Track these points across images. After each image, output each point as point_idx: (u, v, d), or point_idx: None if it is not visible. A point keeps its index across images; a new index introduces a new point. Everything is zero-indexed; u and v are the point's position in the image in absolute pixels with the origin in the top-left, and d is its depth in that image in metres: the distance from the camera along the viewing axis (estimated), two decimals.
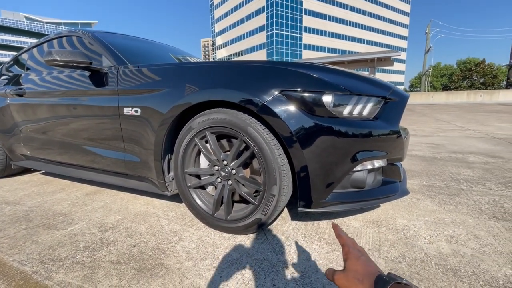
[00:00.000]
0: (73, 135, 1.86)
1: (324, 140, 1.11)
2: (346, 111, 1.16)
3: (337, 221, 1.48)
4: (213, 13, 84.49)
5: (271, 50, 62.76)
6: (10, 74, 2.44)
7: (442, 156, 3.03)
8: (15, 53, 2.67)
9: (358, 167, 1.18)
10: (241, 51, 73.77)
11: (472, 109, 12.21)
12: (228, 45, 79.43)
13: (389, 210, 1.61)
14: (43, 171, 2.74)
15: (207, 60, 2.82)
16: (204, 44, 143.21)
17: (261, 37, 64.83)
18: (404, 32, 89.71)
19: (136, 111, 1.48)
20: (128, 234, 1.39)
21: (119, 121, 1.56)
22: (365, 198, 1.22)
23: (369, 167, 1.21)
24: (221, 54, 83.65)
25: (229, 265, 1.12)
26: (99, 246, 1.29)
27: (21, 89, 2.12)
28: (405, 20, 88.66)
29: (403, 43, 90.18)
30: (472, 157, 2.91)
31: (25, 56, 2.40)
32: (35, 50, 2.32)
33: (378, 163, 1.24)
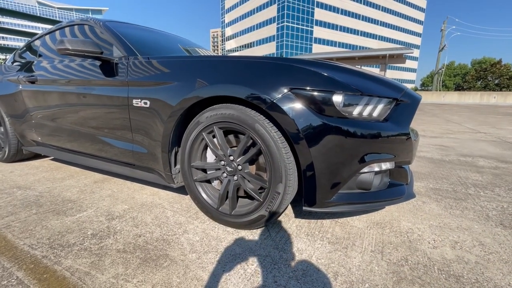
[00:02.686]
0: (83, 123, 1.89)
1: (332, 140, 1.10)
2: (356, 111, 1.14)
3: (341, 221, 1.49)
4: (224, 2, 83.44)
5: (281, 43, 61.94)
6: (23, 60, 2.47)
7: (450, 159, 2.98)
8: (27, 39, 2.70)
9: (365, 169, 1.17)
10: (250, 43, 73.01)
11: (484, 110, 11.92)
12: (237, 36, 78.64)
13: (394, 212, 1.60)
14: (53, 157, 2.80)
15: (217, 54, 2.80)
16: (213, 35, 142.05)
17: (271, 29, 63.91)
18: (419, 28, 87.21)
19: (145, 103, 1.49)
20: (134, 224, 1.42)
21: (128, 112, 1.58)
22: (371, 200, 1.22)
23: (376, 169, 1.20)
24: (230, 45, 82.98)
25: (232, 259, 1.14)
26: (106, 234, 1.32)
27: (33, 76, 2.14)
28: (420, 16, 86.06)
29: (416, 40, 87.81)
30: (482, 161, 2.86)
31: (37, 43, 2.43)
32: (47, 37, 2.34)
33: (385, 166, 1.23)
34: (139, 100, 1.51)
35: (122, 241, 1.26)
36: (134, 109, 1.54)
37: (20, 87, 2.26)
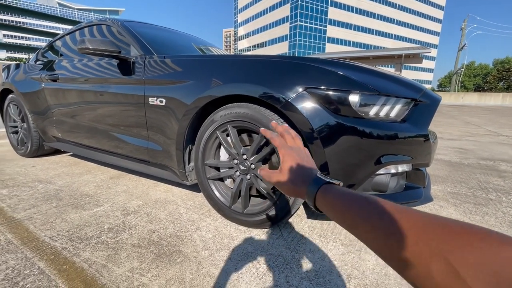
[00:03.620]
0: (100, 120, 1.95)
1: (347, 140, 1.09)
2: (372, 112, 1.12)
3: None
4: (237, 2, 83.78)
5: (293, 43, 61.56)
6: (45, 59, 2.57)
7: (470, 162, 2.87)
8: (48, 39, 2.81)
9: (381, 171, 1.15)
10: (263, 43, 72.98)
11: (506, 113, 11.41)
12: (250, 35, 78.79)
13: None
14: (72, 153, 2.90)
15: (231, 54, 2.82)
16: (226, 34, 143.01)
17: (284, 29, 63.64)
18: (437, 27, 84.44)
19: (161, 101, 1.51)
20: (149, 220, 1.45)
21: (144, 110, 1.61)
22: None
23: (393, 171, 1.17)
24: (243, 44, 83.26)
25: (244, 257, 1.14)
26: (121, 228, 1.36)
27: (54, 74, 2.23)
28: (439, 14, 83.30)
29: (434, 39, 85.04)
30: (504, 165, 2.73)
31: (59, 43, 2.52)
32: (68, 37, 2.43)
33: (402, 168, 1.20)
34: (155, 98, 1.54)
35: (137, 236, 1.29)
36: (150, 107, 1.57)
37: (43, 85, 2.36)
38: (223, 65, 1.37)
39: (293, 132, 0.56)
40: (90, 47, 1.60)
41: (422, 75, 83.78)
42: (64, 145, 2.44)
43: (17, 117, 2.71)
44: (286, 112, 1.14)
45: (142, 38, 1.81)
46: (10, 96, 2.72)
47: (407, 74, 76.62)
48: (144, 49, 1.71)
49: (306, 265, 1.10)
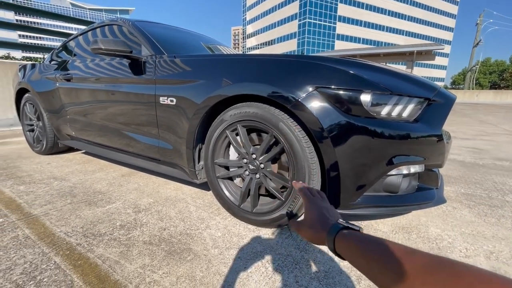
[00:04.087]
0: (112, 119, 1.99)
1: (358, 140, 1.07)
2: (384, 111, 1.10)
3: (364, 223, 1.45)
4: (245, 0, 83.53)
5: (302, 40, 61.01)
6: (59, 59, 2.64)
7: (485, 162, 2.79)
8: (62, 38, 2.87)
9: (392, 171, 1.13)
10: (271, 40, 72.61)
11: None
12: (258, 33, 78.51)
13: (421, 217, 1.53)
14: (85, 151, 2.97)
15: (238, 52, 2.83)
16: (235, 33, 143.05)
17: (293, 26, 63.12)
18: (451, 22, 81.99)
19: (172, 101, 1.53)
20: (159, 217, 1.48)
21: (155, 109, 1.63)
22: (398, 203, 1.17)
23: (405, 172, 1.15)
24: (251, 42, 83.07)
25: (253, 256, 1.15)
26: (133, 226, 1.38)
27: (68, 74, 2.28)
28: (453, 9, 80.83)
29: (447, 35, 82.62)
30: None
31: (72, 43, 2.58)
32: (81, 38, 2.48)
33: (414, 169, 1.17)
34: (166, 97, 1.56)
35: (148, 233, 1.32)
36: (161, 107, 1.59)
37: (57, 84, 2.42)
38: (232, 64, 1.37)
39: (315, 189, 0.63)
40: (103, 47, 1.63)
41: (434, 72, 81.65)
42: (77, 143, 2.51)
43: (33, 116, 2.80)
44: (296, 111, 1.13)
45: (152, 37, 1.83)
46: (26, 95, 2.80)
47: (419, 72, 74.84)
48: (154, 49, 1.73)
49: (316, 265, 1.10)
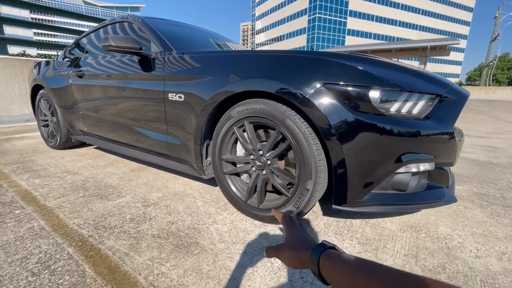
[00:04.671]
0: (122, 115, 2.03)
1: (366, 137, 1.06)
2: (393, 108, 1.08)
3: (372, 221, 1.43)
4: None
5: (312, 36, 60.16)
6: (72, 56, 2.70)
7: (499, 161, 2.70)
8: (74, 36, 2.94)
9: (401, 169, 1.11)
10: (281, 36, 71.92)
11: None
12: (267, 29, 77.86)
13: (431, 215, 1.50)
14: (97, 146, 3.04)
15: (248, 49, 2.82)
16: (244, 29, 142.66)
17: (302, 22, 62.26)
18: (467, 16, 78.98)
19: (180, 97, 1.55)
20: (168, 212, 1.51)
21: (164, 105, 1.65)
22: (406, 202, 1.15)
23: (414, 170, 1.13)
24: (260, 38, 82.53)
25: (259, 252, 1.16)
26: (142, 219, 1.42)
27: (80, 71, 2.34)
28: (470, 2, 77.77)
29: (464, 29, 79.68)
30: None
31: (84, 40, 2.63)
32: (92, 35, 2.53)
33: (424, 167, 1.15)
34: (174, 94, 1.58)
35: (156, 227, 1.34)
36: (170, 103, 1.62)
37: (70, 81, 2.48)
38: (240, 61, 1.37)
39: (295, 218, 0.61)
40: (113, 44, 1.65)
41: (449, 68, 79.13)
42: (89, 138, 2.57)
43: (48, 112, 2.88)
44: (303, 108, 1.13)
45: (162, 34, 1.85)
46: (41, 91, 2.89)
47: (432, 68, 72.74)
48: (163, 46, 1.75)
49: None
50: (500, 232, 1.35)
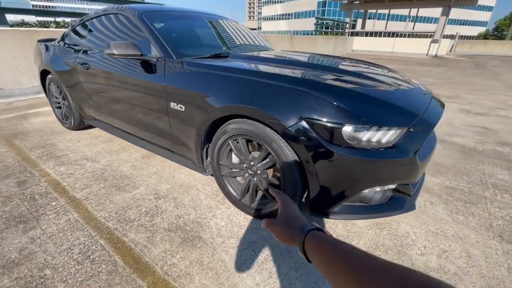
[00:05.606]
0: (129, 113, 2.20)
1: (337, 165, 1.26)
2: (363, 141, 1.25)
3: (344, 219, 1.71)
4: None
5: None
6: (74, 45, 2.74)
7: (484, 148, 2.86)
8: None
9: (366, 190, 1.33)
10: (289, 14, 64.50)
11: None
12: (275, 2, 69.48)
13: None
14: None
15: (244, 26, 2.78)
16: (250, 1, 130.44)
17: None
18: None
19: (181, 107, 1.71)
20: (175, 205, 1.81)
21: (167, 111, 1.82)
22: (370, 212, 1.40)
23: (378, 189, 1.35)
24: (267, 11, 74.30)
25: (249, 246, 1.47)
26: (155, 212, 1.73)
27: (86, 63, 2.43)
28: None
29: None
30: None
31: (83, 27, 2.65)
32: (94, 21, 2.54)
33: (387, 187, 1.37)
34: (175, 104, 1.73)
35: (167, 220, 1.66)
36: (171, 110, 1.78)
37: (77, 69, 2.59)
38: (235, 85, 1.49)
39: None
40: (116, 53, 1.75)
41: (475, 15, 71.47)
42: (99, 124, 2.79)
43: (59, 95, 3.05)
44: (285, 136, 1.31)
45: (161, 36, 1.91)
46: (49, 76, 3.01)
47: (457, 14, 65.81)
48: (163, 51, 1.83)
49: (296, 256, 1.41)
50: (450, 230, 1.62)
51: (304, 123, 1.25)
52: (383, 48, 19.51)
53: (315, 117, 1.24)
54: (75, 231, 1.55)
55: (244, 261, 1.37)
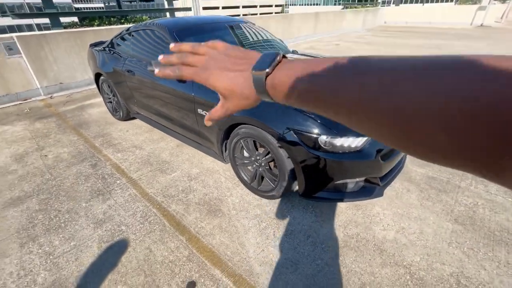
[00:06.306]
0: (165, 110, 2.79)
1: (316, 163, 1.73)
2: (337, 146, 1.69)
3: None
4: None
5: None
6: (120, 53, 3.33)
7: None
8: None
9: (340, 181, 1.80)
10: None
11: None
12: None
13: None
14: None
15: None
16: None
17: None
18: None
19: (206, 113, 2.25)
20: (203, 185, 2.42)
21: (195, 114, 2.37)
22: (343, 198, 1.88)
23: (349, 181, 1.81)
24: None
25: (254, 217, 2.04)
26: (188, 191, 2.35)
27: (131, 71, 3.03)
28: None
29: None
30: None
31: (124, 38, 3.21)
32: (133, 33, 3.09)
33: (357, 179, 1.82)
34: (202, 110, 2.27)
35: (197, 196, 2.28)
36: (199, 114, 2.33)
37: (124, 75, 3.20)
38: None
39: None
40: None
41: None
42: (142, 117, 3.44)
43: (110, 93, 3.75)
44: (279, 140, 1.79)
45: None
46: (101, 77, 3.70)
47: None
48: None
49: (288, 226, 1.95)
50: (415, 213, 2.03)
51: (292, 133, 1.72)
52: (421, 18, 17.90)
53: (299, 128, 1.70)
54: (136, 202, 2.24)
55: (250, 227, 1.95)
